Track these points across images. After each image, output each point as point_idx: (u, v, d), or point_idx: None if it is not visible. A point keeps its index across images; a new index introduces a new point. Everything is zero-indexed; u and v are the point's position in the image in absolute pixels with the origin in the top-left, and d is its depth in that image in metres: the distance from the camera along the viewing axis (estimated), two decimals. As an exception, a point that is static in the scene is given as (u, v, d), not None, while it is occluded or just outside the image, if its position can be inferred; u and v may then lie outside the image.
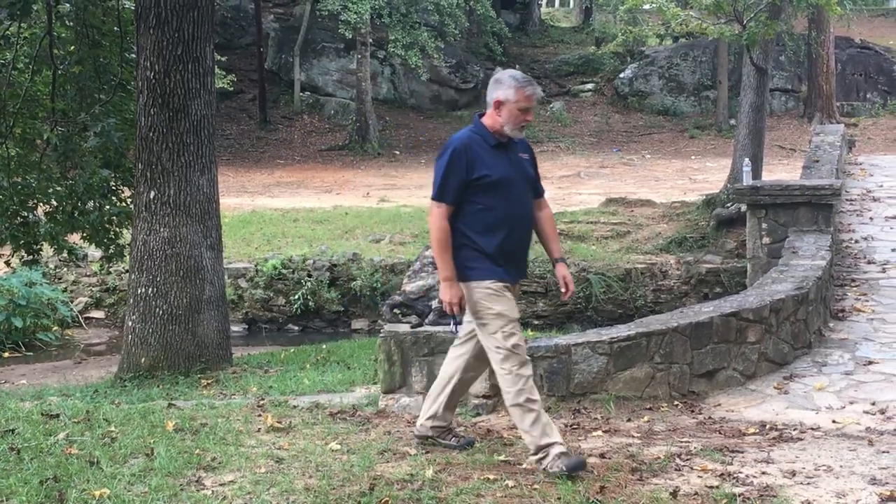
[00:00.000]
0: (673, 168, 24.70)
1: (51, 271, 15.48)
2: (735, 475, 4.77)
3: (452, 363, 5.23)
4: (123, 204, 11.17)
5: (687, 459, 5.03)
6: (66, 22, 11.50)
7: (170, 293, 8.79)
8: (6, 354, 13.17)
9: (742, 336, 6.77)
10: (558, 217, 15.26)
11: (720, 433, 5.63)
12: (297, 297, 15.23)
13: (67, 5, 11.35)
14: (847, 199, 13.28)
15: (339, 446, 5.27)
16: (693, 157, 26.40)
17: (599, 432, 5.59)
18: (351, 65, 29.75)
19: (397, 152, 28.18)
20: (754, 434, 5.61)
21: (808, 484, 4.69)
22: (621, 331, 6.41)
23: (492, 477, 4.71)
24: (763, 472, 4.84)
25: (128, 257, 10.24)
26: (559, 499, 4.44)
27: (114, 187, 11.26)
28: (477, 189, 4.84)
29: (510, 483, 4.62)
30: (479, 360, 5.12)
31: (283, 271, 15.45)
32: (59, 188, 10.98)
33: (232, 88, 27.78)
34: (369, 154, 27.59)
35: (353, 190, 22.40)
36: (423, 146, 29.00)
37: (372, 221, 17.86)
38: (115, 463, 4.98)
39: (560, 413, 5.89)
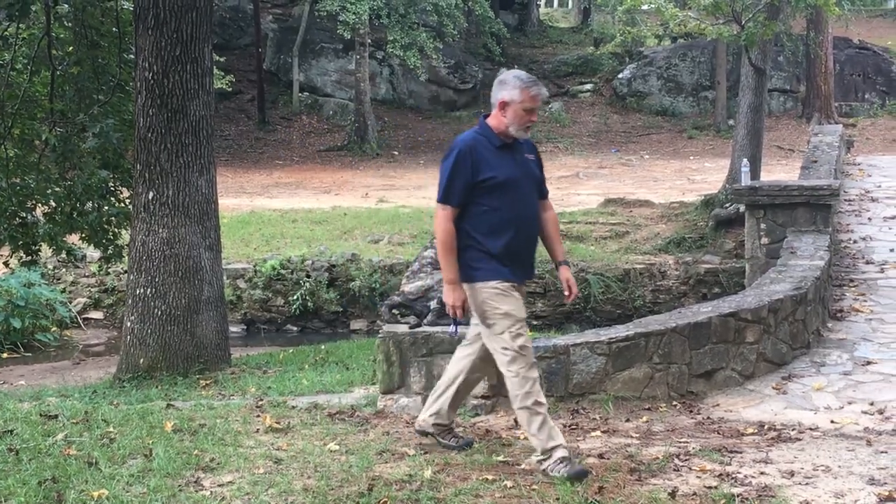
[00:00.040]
0: (671, 168, 24.71)
1: (49, 272, 15.47)
2: (733, 475, 4.78)
3: (459, 363, 5.21)
4: (122, 204, 11.16)
5: (685, 460, 5.04)
6: (65, 23, 11.49)
7: (168, 294, 8.79)
8: (5, 355, 13.16)
9: (740, 336, 6.78)
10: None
11: (719, 433, 5.64)
12: (295, 297, 15.22)
13: (66, 6, 11.35)
14: (845, 200, 13.29)
15: (337, 447, 5.27)
16: (691, 158, 26.40)
17: (598, 432, 5.59)
18: (349, 65, 29.75)
19: (396, 153, 28.18)
20: (753, 434, 5.62)
21: (807, 484, 4.69)
22: (620, 331, 6.42)
23: (490, 477, 4.71)
24: (761, 473, 4.84)
25: (126, 258, 10.24)
26: (558, 499, 4.44)
27: (112, 188, 11.25)
28: (482, 191, 4.81)
29: (509, 483, 4.63)
30: (485, 362, 5.10)
31: (282, 272, 15.44)
32: (57, 189, 10.98)
33: (230, 89, 27.77)
34: (368, 155, 27.59)
35: (352, 190, 22.40)
36: (422, 147, 29.01)
37: (370, 222, 17.85)
38: (113, 464, 4.98)
39: (559, 413, 5.89)
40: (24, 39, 11.30)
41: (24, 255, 11.30)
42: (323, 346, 10.95)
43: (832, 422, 5.91)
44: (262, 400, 6.67)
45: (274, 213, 18.96)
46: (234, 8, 32.84)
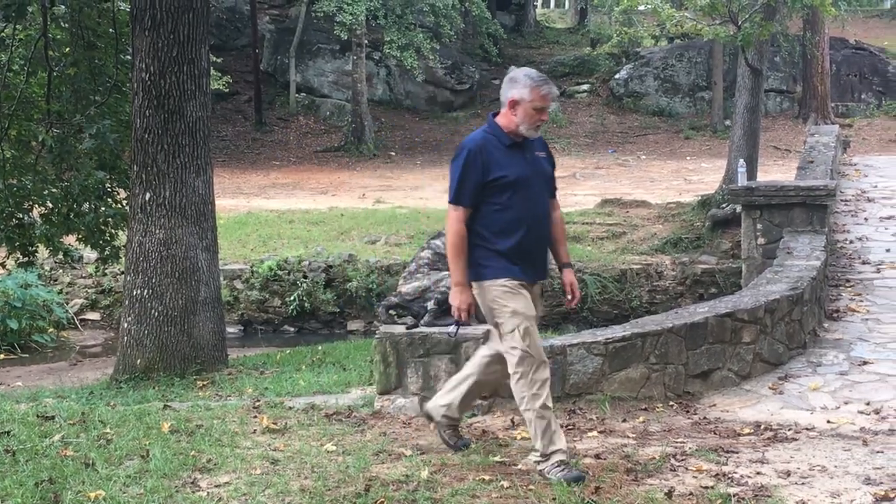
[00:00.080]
0: (668, 169, 24.72)
1: (46, 273, 15.46)
2: (730, 475, 4.79)
3: (476, 361, 5.17)
4: (119, 206, 11.16)
5: (682, 460, 5.04)
6: (62, 24, 11.50)
7: (165, 295, 8.79)
8: (2, 356, 13.16)
9: (737, 336, 6.79)
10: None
11: (715, 433, 5.64)
12: (292, 298, 15.22)
13: (62, 7, 11.35)
14: (842, 200, 13.31)
15: (334, 447, 5.27)
16: (688, 158, 26.42)
17: (595, 433, 5.60)
18: (346, 66, 29.75)
19: (393, 153, 28.18)
20: (749, 434, 5.62)
21: (803, 484, 4.70)
22: (616, 331, 6.43)
23: (487, 478, 4.71)
24: (758, 473, 4.85)
25: (123, 259, 10.23)
26: (554, 499, 4.45)
27: (109, 189, 11.25)
28: (493, 190, 4.76)
29: (505, 484, 4.63)
30: (502, 365, 5.02)
31: (279, 273, 15.44)
32: (54, 190, 10.97)
33: (227, 90, 27.77)
34: (365, 155, 27.59)
35: (349, 191, 22.40)
36: (419, 147, 29.01)
37: (367, 223, 17.85)
38: (110, 465, 4.98)
39: (556, 414, 5.88)
40: (21, 40, 11.29)
41: (21, 257, 11.29)
42: (320, 347, 10.95)
43: (828, 422, 5.92)
44: (258, 401, 6.67)
45: (271, 213, 18.96)
46: (230, 9, 32.82)
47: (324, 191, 22.70)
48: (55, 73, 10.81)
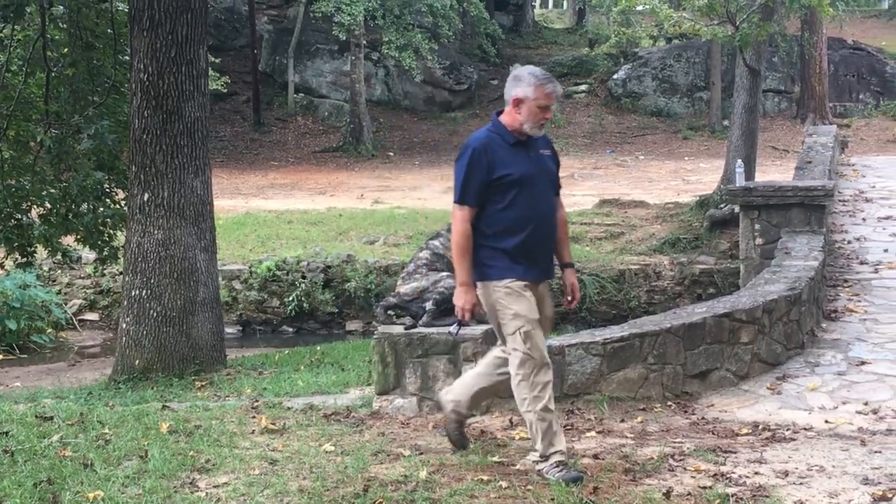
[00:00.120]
0: (666, 169, 24.74)
1: (45, 273, 15.46)
2: (728, 475, 4.79)
3: (488, 361, 5.13)
4: (117, 206, 11.16)
5: (680, 460, 5.05)
6: (60, 24, 11.50)
7: (164, 295, 8.79)
8: (0, 357, 13.15)
9: (735, 337, 6.79)
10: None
11: (713, 434, 5.65)
12: (291, 298, 15.23)
13: (61, 8, 11.35)
14: (840, 200, 13.32)
15: (333, 448, 5.28)
16: (686, 158, 26.43)
17: (593, 433, 5.60)
18: (345, 66, 29.75)
19: (391, 154, 28.18)
20: (747, 434, 5.63)
21: (801, 484, 4.71)
22: (615, 332, 6.43)
23: (485, 478, 4.72)
24: (756, 473, 4.85)
25: (122, 259, 10.23)
26: (552, 499, 4.45)
27: (108, 189, 11.25)
28: (498, 189, 4.74)
29: (504, 484, 4.64)
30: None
31: (278, 273, 15.45)
32: (52, 190, 10.97)
33: (226, 90, 27.76)
34: (363, 156, 27.59)
35: (347, 191, 22.40)
36: (417, 148, 29.01)
37: (366, 223, 17.86)
38: (108, 465, 4.98)
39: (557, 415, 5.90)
40: (20, 41, 11.30)
41: (20, 257, 11.29)
42: (318, 348, 10.96)
43: (826, 422, 5.92)
44: (257, 401, 6.68)
45: (269, 214, 18.96)
46: (229, 9, 32.81)
47: (322, 191, 22.71)
48: (53, 74, 10.81)
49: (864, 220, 12.46)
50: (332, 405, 6.36)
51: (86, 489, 4.58)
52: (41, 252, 11.89)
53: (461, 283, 4.80)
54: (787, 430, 5.72)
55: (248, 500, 4.50)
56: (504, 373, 4.99)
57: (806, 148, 14.49)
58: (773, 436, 5.57)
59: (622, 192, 20.23)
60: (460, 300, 4.80)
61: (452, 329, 5.29)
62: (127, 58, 9.94)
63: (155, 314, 8.78)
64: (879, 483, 4.69)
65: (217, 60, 24.94)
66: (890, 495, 4.50)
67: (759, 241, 10.40)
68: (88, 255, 13.08)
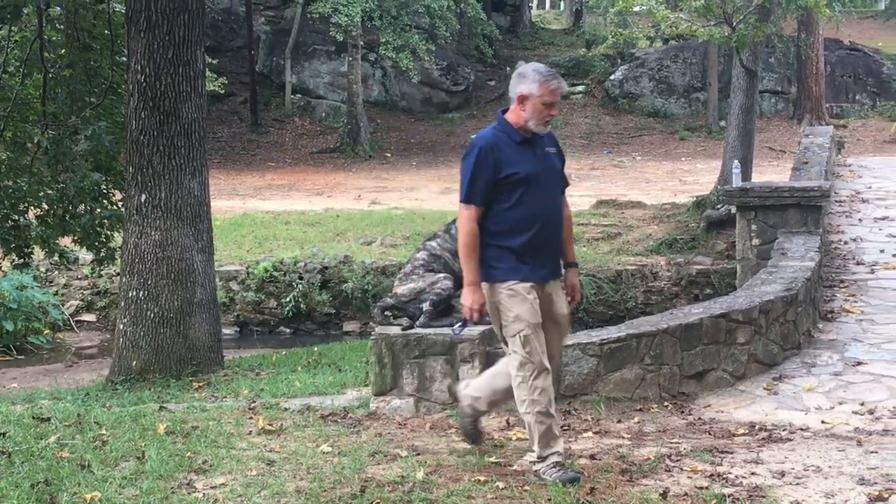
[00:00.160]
0: (663, 170, 24.76)
1: (42, 274, 15.45)
2: (725, 476, 4.80)
3: (506, 360, 5.08)
4: (114, 207, 11.15)
5: (677, 460, 5.06)
6: (57, 25, 11.49)
7: (161, 296, 8.78)
8: (-3, 358, 13.16)
9: (732, 337, 6.80)
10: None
11: (710, 434, 5.66)
12: (288, 299, 15.23)
13: (58, 9, 11.34)
14: (836, 201, 13.33)
15: (330, 448, 5.28)
16: (683, 159, 26.46)
17: (590, 433, 5.61)
18: (342, 67, 29.75)
19: (388, 155, 28.19)
20: (744, 435, 5.64)
21: (798, 484, 4.71)
22: (611, 332, 6.43)
23: (482, 478, 4.72)
24: (752, 473, 4.86)
25: (119, 260, 10.23)
26: (549, 500, 4.46)
27: (105, 190, 11.25)
28: (505, 187, 4.70)
29: (501, 484, 4.64)
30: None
31: (275, 274, 15.45)
32: (49, 191, 10.96)
33: (223, 91, 27.75)
34: (360, 156, 27.60)
35: (345, 192, 22.40)
36: (415, 148, 29.02)
37: (363, 224, 17.86)
38: (106, 466, 4.98)
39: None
40: (16, 42, 11.29)
41: (17, 258, 11.29)
42: (315, 348, 10.95)
43: (823, 422, 5.93)
44: (254, 402, 6.68)
45: (266, 215, 18.96)
46: (226, 10, 32.82)
47: (319, 192, 22.71)
48: (51, 75, 10.81)
49: (860, 220, 12.48)
50: (329, 406, 6.36)
51: (83, 490, 4.59)
52: (38, 253, 11.89)
53: (469, 283, 4.75)
54: (784, 430, 5.73)
55: (245, 501, 4.50)
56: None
57: (802, 149, 14.51)
58: (769, 436, 5.58)
59: (619, 193, 20.25)
60: (468, 300, 4.75)
61: (456, 328, 5.28)
62: (124, 59, 9.94)
63: (152, 315, 8.78)
64: (876, 483, 4.70)
65: (214, 61, 24.96)
66: (886, 495, 4.51)
67: (755, 241, 10.41)
68: (85, 256, 13.08)
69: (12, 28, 10.88)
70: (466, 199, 4.74)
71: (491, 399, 5.13)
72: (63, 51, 11.18)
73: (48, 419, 5.98)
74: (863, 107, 30.42)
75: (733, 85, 16.64)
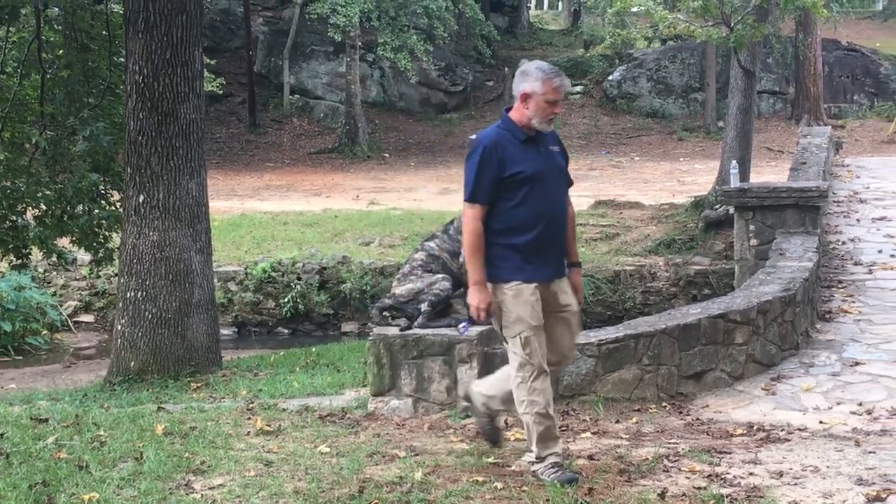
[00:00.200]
0: (661, 170, 24.76)
1: (40, 275, 15.44)
2: (723, 476, 4.80)
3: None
4: (112, 208, 11.15)
5: (675, 461, 5.06)
6: (55, 26, 11.49)
7: (159, 297, 8.78)
8: (-5, 359, 13.15)
9: (730, 337, 6.80)
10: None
11: (708, 434, 5.66)
12: (286, 300, 15.23)
13: (56, 9, 11.34)
14: (834, 201, 13.34)
15: (328, 449, 5.28)
16: (681, 159, 26.47)
17: (588, 434, 5.61)
18: (340, 68, 29.74)
19: (387, 155, 28.18)
20: (742, 435, 5.64)
21: (796, 484, 4.72)
22: (609, 333, 6.43)
23: (481, 479, 4.73)
24: (750, 473, 4.86)
25: (117, 261, 10.23)
26: (548, 500, 4.46)
27: (103, 191, 11.24)
28: (509, 186, 4.68)
29: (499, 485, 4.64)
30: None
31: (273, 274, 15.45)
32: (47, 192, 10.96)
33: (221, 92, 27.74)
34: (359, 157, 27.59)
35: (343, 193, 22.40)
36: (413, 149, 29.02)
37: (361, 224, 17.86)
38: (104, 467, 4.98)
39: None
40: (14, 43, 11.29)
41: (15, 259, 11.28)
42: (314, 349, 10.95)
43: (821, 422, 5.93)
44: (252, 402, 6.68)
45: (265, 215, 18.96)
46: (224, 11, 32.81)
47: (318, 192, 22.71)
48: (48, 76, 10.81)
49: (858, 220, 12.48)
50: (327, 406, 6.36)
51: (81, 491, 4.59)
52: (36, 254, 11.89)
53: (475, 282, 4.72)
54: (782, 430, 5.73)
55: (243, 502, 4.51)
56: None
57: (800, 149, 14.51)
58: (767, 436, 5.59)
59: (617, 193, 20.25)
60: (475, 299, 4.71)
61: (461, 328, 5.27)
62: (122, 59, 9.93)
63: (150, 316, 8.77)
64: (874, 483, 4.70)
65: (212, 62, 24.96)
66: (884, 496, 4.51)
67: (753, 241, 10.42)
68: (83, 256, 13.09)
69: (10, 28, 10.88)
70: (471, 197, 4.72)
71: (506, 398, 5.08)
72: (61, 51, 11.18)
73: (46, 420, 5.98)
74: (861, 107, 30.44)
75: (731, 85, 16.64)
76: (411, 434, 5.64)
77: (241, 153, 28.38)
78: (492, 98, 32.10)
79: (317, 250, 15.97)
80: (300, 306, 15.21)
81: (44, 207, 11.06)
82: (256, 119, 30.01)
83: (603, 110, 31.77)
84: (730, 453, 5.21)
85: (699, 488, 4.61)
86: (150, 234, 8.78)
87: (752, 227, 10.43)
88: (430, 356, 6.03)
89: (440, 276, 6.10)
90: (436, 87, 31.65)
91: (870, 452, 5.23)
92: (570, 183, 5.01)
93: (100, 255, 11.36)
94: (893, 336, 7.88)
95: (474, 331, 5.93)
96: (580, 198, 19.74)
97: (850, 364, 7.22)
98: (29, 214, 11.35)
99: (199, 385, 8.25)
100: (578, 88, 32.83)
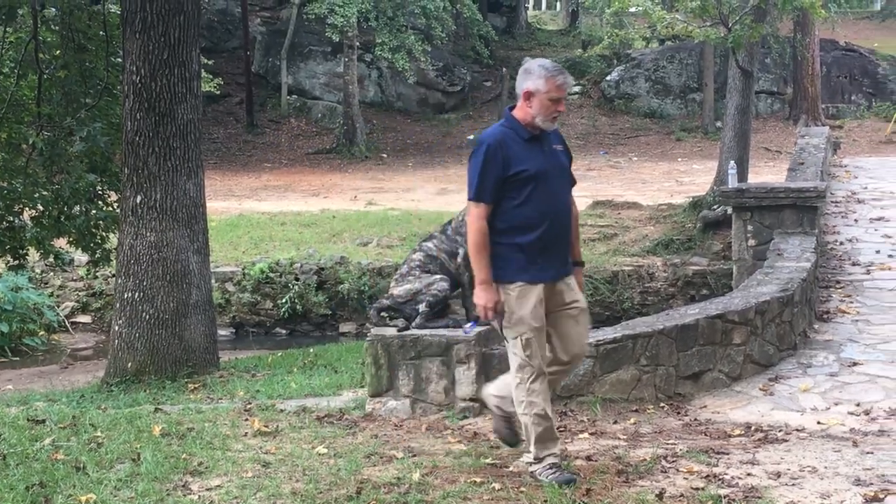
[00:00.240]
0: (659, 170, 24.77)
1: (37, 276, 15.42)
2: (720, 477, 4.80)
3: None
4: (110, 208, 11.15)
5: (673, 461, 5.05)
6: (52, 26, 11.48)
7: (156, 297, 8.78)
8: (-8, 360, 13.14)
9: (727, 338, 6.80)
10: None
11: (706, 435, 5.66)
12: (284, 300, 15.22)
13: (53, 10, 11.33)
14: (832, 202, 13.34)
15: (326, 450, 5.28)
16: (679, 160, 26.48)
17: (586, 434, 5.61)
18: (338, 68, 29.74)
19: (384, 155, 28.18)
20: (740, 435, 5.64)
21: (793, 485, 4.71)
22: (607, 333, 6.43)
23: (478, 480, 4.72)
24: (748, 474, 4.86)
25: (114, 262, 10.22)
26: (545, 501, 4.46)
27: (100, 192, 11.24)
28: (514, 185, 4.65)
29: (497, 486, 4.64)
30: (561, 366, 4.91)
31: (271, 275, 15.44)
32: (45, 193, 10.95)
33: (219, 92, 27.74)
34: (356, 157, 27.59)
35: (341, 193, 22.39)
36: (411, 149, 29.01)
37: (359, 225, 17.86)
38: (101, 468, 4.97)
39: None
40: (11, 43, 11.28)
41: (12, 259, 11.28)
42: (311, 350, 10.95)
43: (819, 423, 5.93)
44: (250, 403, 6.67)
45: (262, 216, 18.95)
46: (222, 11, 32.80)
47: (315, 193, 22.70)
48: (46, 76, 10.80)
49: (856, 221, 12.49)
50: (325, 407, 6.35)
51: (78, 492, 4.58)
52: (33, 254, 11.88)
53: (481, 282, 4.68)
54: (780, 431, 5.73)
55: (240, 503, 4.50)
56: (554, 371, 4.89)
57: (798, 149, 14.51)
58: (765, 437, 5.58)
59: (615, 194, 20.25)
60: (482, 299, 4.67)
61: (467, 328, 5.25)
62: (119, 60, 9.93)
63: (147, 317, 8.77)
64: (871, 484, 4.70)
65: (210, 62, 24.97)
66: (882, 496, 4.51)
67: (751, 242, 10.42)
68: (81, 257, 13.07)
69: (7, 29, 10.87)
70: (476, 196, 4.68)
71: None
72: (58, 52, 11.18)
73: (43, 421, 5.97)
74: (858, 107, 30.46)
75: (729, 86, 16.65)
76: (409, 435, 5.64)
77: (239, 153, 28.37)
78: (490, 98, 32.10)
79: (315, 251, 15.97)
80: (298, 307, 15.20)
81: (41, 208, 11.05)
82: (254, 119, 30.00)
83: (601, 110, 31.78)
84: (728, 454, 5.21)
85: (697, 489, 4.61)
86: (148, 234, 8.77)
87: (750, 228, 10.43)
88: (427, 357, 6.03)
89: (438, 276, 6.09)
90: (434, 88, 31.65)
91: (867, 453, 5.23)
92: (573, 182, 4.99)
93: (97, 255, 11.36)
94: (891, 336, 7.88)
95: (475, 331, 5.92)
96: (578, 198, 19.68)
97: (848, 364, 7.22)
98: (26, 215, 11.34)
99: (196, 386, 8.25)
100: (576, 89, 32.82)
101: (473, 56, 31.91)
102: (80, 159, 10.79)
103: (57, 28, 11.39)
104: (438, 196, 21.26)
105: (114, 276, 10.02)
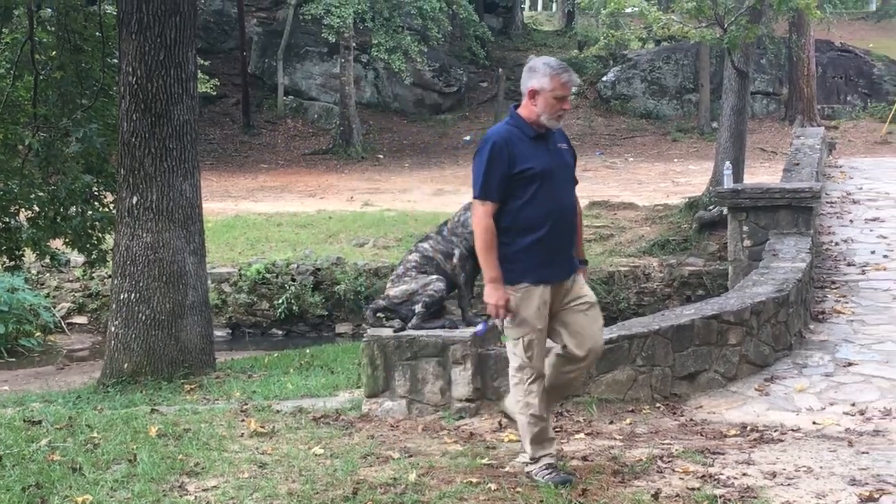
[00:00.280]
0: (656, 171, 24.79)
1: (33, 277, 15.42)
2: (716, 477, 4.81)
3: (548, 362, 4.93)
4: (106, 209, 11.14)
5: (668, 461, 5.06)
6: (48, 27, 11.47)
7: (153, 298, 8.77)
8: (-12, 361, 13.12)
9: (723, 338, 6.81)
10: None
11: (701, 435, 5.67)
12: (280, 301, 15.21)
13: (49, 10, 11.32)
14: (827, 202, 13.36)
15: (322, 451, 5.28)
16: (675, 160, 26.50)
17: (582, 435, 5.62)
18: (334, 69, 29.74)
19: (381, 156, 28.18)
20: (735, 436, 5.65)
21: (789, 485, 4.72)
22: (603, 334, 6.43)
23: (475, 480, 4.73)
24: (744, 474, 4.87)
25: (110, 263, 10.21)
26: (541, 501, 4.46)
27: (96, 192, 11.23)
28: (519, 183, 4.62)
29: (493, 486, 4.65)
30: (574, 364, 4.87)
31: (267, 276, 15.43)
32: (41, 194, 10.94)
33: (215, 93, 27.73)
34: (353, 158, 27.59)
35: (337, 194, 22.39)
36: (407, 150, 29.01)
37: (356, 225, 17.86)
38: (97, 469, 4.98)
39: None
40: (7, 44, 11.28)
41: (8, 260, 11.26)
42: (308, 350, 10.95)
43: (814, 423, 5.95)
44: (246, 404, 6.68)
45: (259, 216, 18.94)
46: (218, 12, 32.78)
47: (312, 194, 22.69)
48: (42, 77, 10.79)
49: (851, 221, 12.51)
50: (321, 408, 6.36)
51: (74, 493, 4.58)
52: (29, 255, 11.86)
53: (490, 280, 4.63)
54: (775, 431, 5.74)
55: (237, 504, 4.50)
56: (568, 371, 4.86)
57: (794, 150, 14.54)
58: (760, 437, 5.59)
59: (611, 194, 20.27)
60: (492, 297, 4.62)
61: (479, 329, 5.24)
62: (115, 61, 9.92)
63: (144, 317, 8.76)
64: (866, 484, 4.71)
65: (206, 63, 24.93)
66: (877, 496, 4.52)
67: (747, 242, 10.43)
68: (77, 258, 13.05)
69: (3, 30, 10.86)
70: (482, 195, 4.65)
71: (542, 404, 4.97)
72: (54, 52, 11.17)
73: (39, 422, 5.97)
74: (854, 108, 30.50)
75: (725, 86, 16.67)
76: (405, 435, 5.64)
77: (235, 154, 28.35)
78: (486, 99, 32.11)
79: (311, 251, 15.97)
80: (294, 308, 15.20)
81: (37, 209, 11.04)
82: (250, 120, 29.99)
83: (597, 111, 31.80)
84: (723, 454, 5.22)
85: (693, 489, 4.61)
86: (144, 235, 8.77)
87: (745, 228, 10.45)
88: (424, 357, 6.03)
89: (434, 277, 6.10)
90: (430, 88, 31.66)
91: (863, 453, 5.24)
92: (576, 182, 4.98)
93: (93, 256, 11.34)
94: (886, 336, 7.90)
95: (468, 332, 5.93)
96: (574, 199, 19.77)
97: (843, 364, 7.23)
98: (22, 216, 11.33)
99: (192, 387, 8.25)
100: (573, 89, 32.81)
101: (470, 57, 31.92)
102: (76, 160, 10.79)
103: (53, 29, 11.38)
104: (435, 197, 21.26)
105: (110, 277, 10.01)
